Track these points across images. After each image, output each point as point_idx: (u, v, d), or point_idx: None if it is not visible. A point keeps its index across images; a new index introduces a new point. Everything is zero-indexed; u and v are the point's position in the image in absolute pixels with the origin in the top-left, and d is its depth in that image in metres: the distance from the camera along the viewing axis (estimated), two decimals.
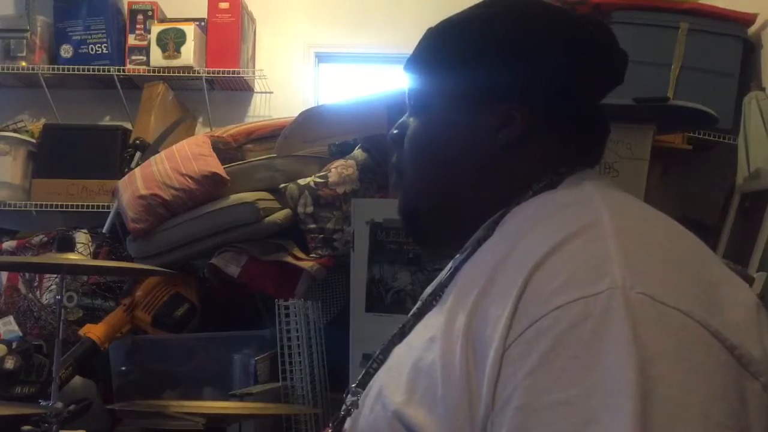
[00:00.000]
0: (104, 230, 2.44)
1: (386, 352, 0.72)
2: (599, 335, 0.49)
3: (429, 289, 0.80)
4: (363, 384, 0.73)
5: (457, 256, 0.72)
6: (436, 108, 0.73)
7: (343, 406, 0.77)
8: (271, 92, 3.04)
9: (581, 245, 0.55)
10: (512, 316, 0.53)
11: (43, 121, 2.88)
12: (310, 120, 2.05)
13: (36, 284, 2.38)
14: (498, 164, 0.69)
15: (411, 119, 0.76)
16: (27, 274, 2.39)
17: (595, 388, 0.48)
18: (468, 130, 0.70)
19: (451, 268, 0.72)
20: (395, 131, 0.77)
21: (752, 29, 2.31)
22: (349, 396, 0.76)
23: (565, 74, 0.69)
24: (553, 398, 0.48)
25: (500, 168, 0.69)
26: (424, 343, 0.61)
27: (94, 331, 2.04)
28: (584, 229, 0.56)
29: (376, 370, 0.71)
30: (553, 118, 0.70)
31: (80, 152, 2.75)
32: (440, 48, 0.74)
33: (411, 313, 0.76)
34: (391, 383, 0.62)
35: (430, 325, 0.63)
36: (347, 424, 0.70)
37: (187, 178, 2.12)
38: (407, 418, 0.57)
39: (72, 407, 1.71)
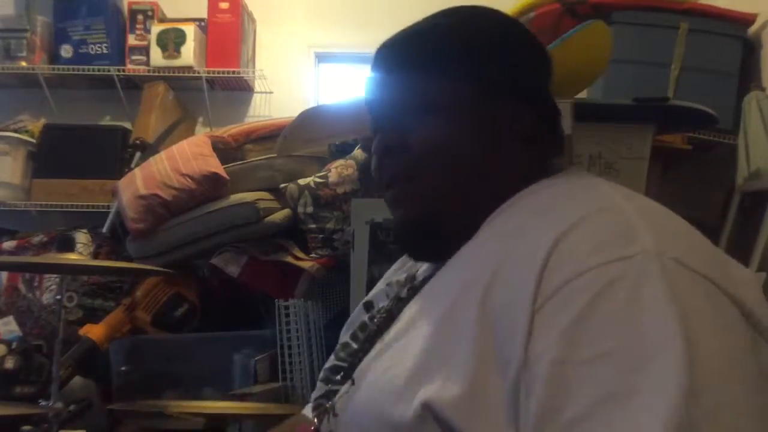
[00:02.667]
0: (104, 230, 2.44)
1: (372, 339, 0.72)
2: (638, 293, 0.50)
3: (401, 276, 0.80)
4: (346, 371, 0.72)
5: None
6: (446, 106, 0.71)
7: (319, 393, 0.78)
8: (271, 92, 3.04)
9: (605, 218, 0.57)
10: (539, 278, 0.53)
11: (43, 121, 2.88)
12: (310, 120, 2.05)
13: (36, 284, 2.38)
14: (515, 156, 0.70)
15: (408, 123, 0.72)
16: (27, 274, 2.39)
17: (640, 339, 0.48)
18: (487, 123, 0.70)
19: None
20: (388, 137, 0.73)
21: (752, 29, 2.31)
22: (325, 384, 0.76)
23: (546, 75, 0.74)
24: (595, 350, 0.49)
25: (516, 161, 0.70)
26: (431, 326, 0.61)
27: (94, 331, 2.04)
28: (605, 207, 0.59)
29: (360, 357, 0.71)
30: (546, 117, 0.73)
31: (80, 152, 2.75)
32: (445, 46, 0.73)
33: (393, 297, 0.76)
34: (397, 365, 0.61)
35: (433, 307, 0.63)
36: (339, 404, 0.69)
37: (187, 178, 2.12)
38: (437, 406, 0.55)
39: (72, 407, 1.71)
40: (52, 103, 2.90)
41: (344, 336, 0.84)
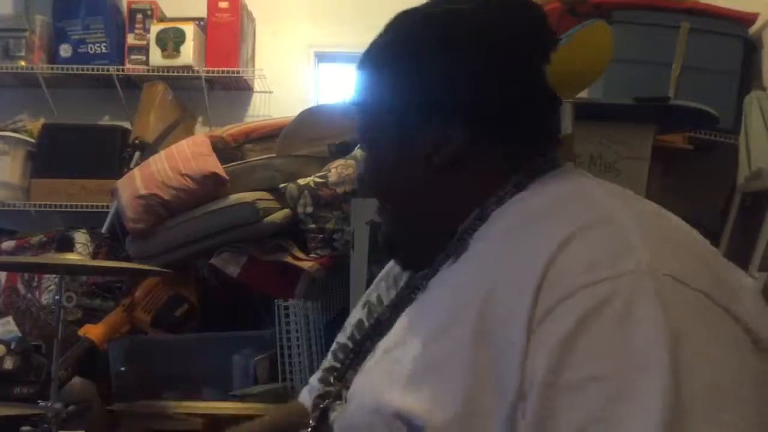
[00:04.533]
0: (103, 230, 2.44)
1: (360, 344, 0.72)
2: (629, 313, 0.49)
3: (396, 271, 0.81)
4: (339, 372, 0.72)
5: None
6: (377, 141, 0.73)
7: (317, 393, 0.77)
8: (270, 92, 3.03)
9: (600, 232, 0.55)
10: (535, 300, 0.52)
11: (42, 120, 2.87)
12: (310, 120, 2.05)
13: (35, 284, 2.38)
14: (441, 185, 0.68)
15: (363, 154, 0.77)
16: (26, 274, 2.39)
17: (627, 363, 0.47)
18: (404, 160, 0.69)
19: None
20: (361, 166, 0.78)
21: (753, 29, 2.31)
22: (324, 385, 0.76)
23: (507, 86, 0.66)
24: (583, 374, 0.48)
25: (444, 188, 0.68)
26: (421, 345, 0.59)
27: (93, 332, 2.04)
28: (601, 218, 0.57)
29: (349, 362, 0.72)
30: (495, 130, 0.67)
31: (79, 152, 2.74)
32: (373, 72, 0.71)
33: (387, 304, 0.76)
34: (385, 381, 0.61)
35: (423, 320, 0.62)
36: (333, 416, 0.68)
37: (187, 178, 2.12)
38: (409, 413, 0.55)
39: (71, 408, 1.70)
40: (51, 103, 2.89)
41: (341, 336, 0.83)
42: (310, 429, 0.71)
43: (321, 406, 0.72)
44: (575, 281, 0.51)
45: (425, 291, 0.67)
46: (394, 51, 0.70)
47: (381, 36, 0.72)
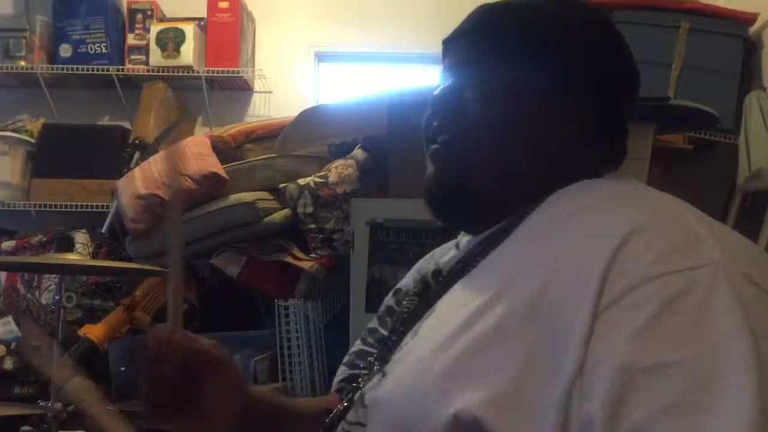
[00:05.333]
0: (103, 230, 2.44)
1: (402, 326, 0.71)
2: (709, 305, 0.49)
3: (431, 265, 0.79)
4: (376, 357, 0.71)
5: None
6: (513, 81, 0.70)
7: (342, 377, 0.77)
8: (270, 92, 3.03)
9: (670, 225, 0.55)
10: (602, 282, 0.52)
11: (42, 120, 2.87)
12: (310, 120, 2.05)
13: (35, 284, 2.38)
14: (561, 151, 0.69)
15: (479, 87, 0.71)
16: (26, 275, 2.39)
17: (709, 353, 0.47)
18: (546, 109, 0.69)
19: (476, 242, 0.71)
20: (454, 92, 0.71)
21: (753, 29, 2.31)
22: (348, 368, 0.75)
23: (622, 76, 0.74)
24: (662, 359, 0.48)
25: (561, 155, 0.69)
26: (470, 321, 0.59)
27: (93, 332, 2.04)
28: (667, 214, 0.57)
29: (390, 345, 0.70)
30: (606, 118, 0.72)
31: (79, 152, 2.75)
32: (525, 29, 0.72)
33: (421, 283, 0.75)
34: (436, 362, 0.59)
35: (473, 298, 0.61)
36: (369, 395, 0.67)
37: (187, 178, 2.12)
38: (471, 406, 0.54)
39: (71, 407, 1.70)
40: (51, 103, 2.89)
41: (372, 321, 0.83)
42: (342, 407, 0.70)
43: (354, 384, 0.71)
44: (651, 269, 0.51)
45: (476, 268, 0.67)
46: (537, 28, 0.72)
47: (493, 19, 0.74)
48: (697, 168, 2.34)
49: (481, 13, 0.75)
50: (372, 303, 1.75)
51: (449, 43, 0.77)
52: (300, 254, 2.10)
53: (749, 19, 2.28)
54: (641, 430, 0.46)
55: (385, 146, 1.99)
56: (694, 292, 0.49)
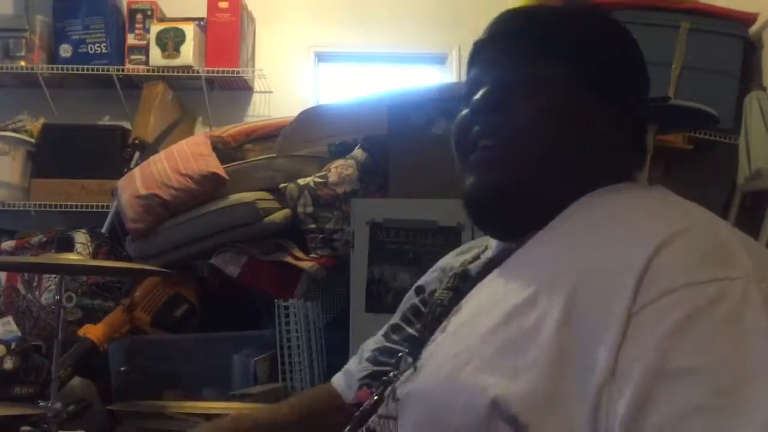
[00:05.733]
0: (103, 230, 2.44)
1: (432, 325, 0.71)
2: (740, 315, 0.50)
3: (456, 263, 0.79)
4: (408, 356, 0.71)
5: None
6: (554, 86, 0.70)
7: (365, 374, 0.77)
8: (270, 92, 3.04)
9: (705, 235, 0.56)
10: (638, 284, 0.53)
11: (42, 120, 2.87)
12: (310, 120, 2.05)
13: (35, 284, 2.38)
14: (598, 155, 0.70)
15: (518, 88, 0.71)
16: (26, 275, 2.39)
17: (738, 360, 0.48)
18: (584, 114, 0.70)
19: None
20: (494, 96, 0.71)
21: (753, 29, 2.30)
22: (372, 364, 0.75)
23: (646, 85, 0.76)
24: (691, 363, 0.48)
25: (598, 159, 0.70)
26: (505, 316, 0.60)
27: (93, 332, 2.04)
28: (702, 224, 0.58)
29: (422, 344, 0.70)
30: (633, 123, 0.73)
31: (79, 152, 2.75)
32: (562, 35, 0.73)
33: (449, 284, 0.76)
34: (473, 358, 0.60)
35: (508, 296, 0.62)
36: (401, 389, 0.67)
37: (187, 178, 2.12)
38: (505, 400, 0.55)
39: (71, 408, 1.70)
40: (51, 103, 2.89)
41: (395, 318, 0.84)
42: (373, 400, 0.71)
43: (384, 378, 0.72)
44: (688, 275, 0.52)
45: (509, 266, 0.68)
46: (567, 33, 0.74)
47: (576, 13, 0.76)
48: (697, 168, 2.34)
49: (513, 17, 0.76)
50: (372, 303, 1.75)
51: (482, 46, 0.77)
52: (300, 254, 2.10)
53: (749, 19, 2.27)
54: (663, 428, 0.47)
55: (385, 146, 1.99)
56: (726, 301, 0.50)
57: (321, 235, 2.07)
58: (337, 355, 1.92)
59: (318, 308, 2.06)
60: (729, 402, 0.46)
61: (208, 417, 1.60)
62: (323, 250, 2.08)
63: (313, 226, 2.08)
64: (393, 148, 1.91)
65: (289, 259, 2.07)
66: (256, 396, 1.87)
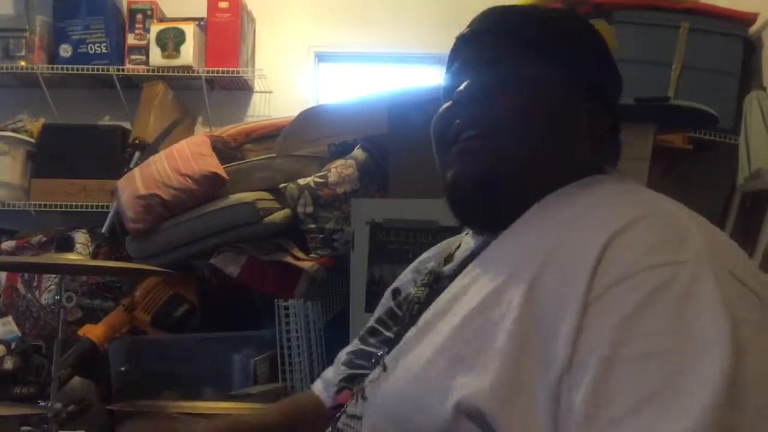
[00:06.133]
0: (103, 230, 2.44)
1: (406, 327, 0.71)
2: (691, 295, 0.50)
3: (429, 264, 0.81)
4: (381, 357, 0.71)
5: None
6: (535, 78, 0.72)
7: (342, 377, 0.78)
8: (270, 92, 3.03)
9: (660, 221, 0.57)
10: (592, 274, 0.53)
11: (42, 120, 2.87)
12: (310, 120, 2.04)
13: (35, 284, 2.38)
14: (576, 148, 0.72)
15: (505, 84, 0.72)
16: (26, 275, 2.39)
17: (688, 341, 0.48)
18: (564, 107, 0.72)
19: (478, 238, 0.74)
20: (480, 87, 0.72)
21: (753, 29, 2.30)
22: (348, 367, 0.76)
23: (620, 83, 0.79)
24: (644, 348, 0.49)
25: (576, 152, 0.72)
26: (469, 312, 0.60)
27: (93, 332, 2.04)
28: (659, 210, 0.59)
29: (399, 334, 0.71)
30: (611, 117, 0.76)
31: (79, 152, 2.74)
32: (543, 30, 0.75)
33: (422, 286, 0.77)
34: (439, 356, 0.60)
35: (473, 293, 0.62)
36: (368, 388, 0.68)
37: (187, 178, 2.12)
38: (470, 395, 0.55)
39: (71, 408, 1.70)
40: (51, 103, 2.89)
41: (371, 321, 0.85)
42: (355, 401, 0.71)
43: (356, 381, 0.73)
44: (637, 262, 0.53)
45: (480, 261, 0.68)
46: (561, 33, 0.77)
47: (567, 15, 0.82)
48: (697, 168, 2.34)
49: (496, 14, 0.77)
50: (372, 303, 1.74)
51: (464, 42, 0.78)
52: (300, 254, 2.10)
53: (749, 19, 2.28)
54: (621, 419, 0.47)
55: (385, 146, 1.99)
56: (676, 283, 0.51)
57: (321, 235, 2.07)
58: (336, 355, 1.92)
59: (318, 308, 2.06)
60: (681, 382, 0.46)
61: (208, 417, 1.60)
62: (323, 250, 2.08)
63: (313, 226, 2.08)
64: (393, 148, 1.91)
65: (289, 259, 2.07)
66: (256, 396, 1.87)
